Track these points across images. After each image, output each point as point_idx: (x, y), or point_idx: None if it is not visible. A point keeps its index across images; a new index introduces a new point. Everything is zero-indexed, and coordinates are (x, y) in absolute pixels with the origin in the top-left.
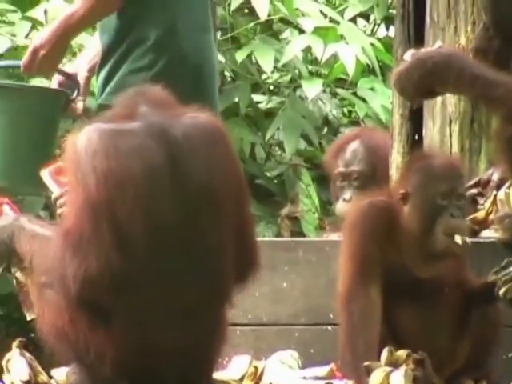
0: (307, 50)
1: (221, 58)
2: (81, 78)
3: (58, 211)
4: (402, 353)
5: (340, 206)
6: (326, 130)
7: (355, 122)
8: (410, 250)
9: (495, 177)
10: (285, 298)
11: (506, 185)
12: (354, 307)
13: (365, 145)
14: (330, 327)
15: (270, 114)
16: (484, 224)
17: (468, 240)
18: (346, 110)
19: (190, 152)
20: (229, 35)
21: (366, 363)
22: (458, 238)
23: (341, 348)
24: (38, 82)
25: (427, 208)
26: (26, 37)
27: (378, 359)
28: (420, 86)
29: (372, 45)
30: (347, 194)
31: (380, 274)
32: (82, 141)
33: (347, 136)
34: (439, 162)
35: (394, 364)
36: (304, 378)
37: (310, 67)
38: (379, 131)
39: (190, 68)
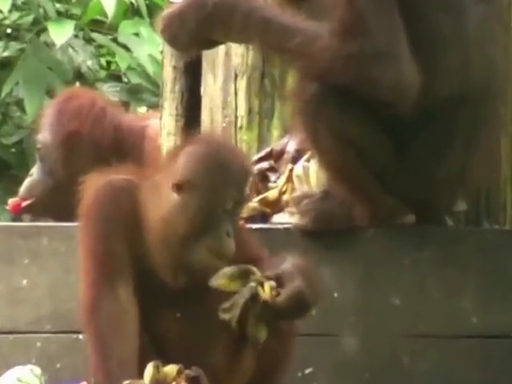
0: None
1: None
2: None
3: None
4: (171, 369)
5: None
6: (78, 85)
7: (115, 76)
8: (158, 251)
9: (291, 147)
10: (24, 299)
11: (304, 157)
12: (101, 316)
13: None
14: (81, 336)
15: (6, 65)
16: (277, 206)
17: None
18: (103, 61)
19: None
20: None
21: (126, 382)
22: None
23: (91, 366)
24: None
25: (206, 214)
26: None
27: (139, 375)
28: (196, 34)
29: None
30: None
31: (129, 272)
32: None
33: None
34: (231, 157)
35: (161, 382)
36: None
37: (58, 6)
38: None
39: None
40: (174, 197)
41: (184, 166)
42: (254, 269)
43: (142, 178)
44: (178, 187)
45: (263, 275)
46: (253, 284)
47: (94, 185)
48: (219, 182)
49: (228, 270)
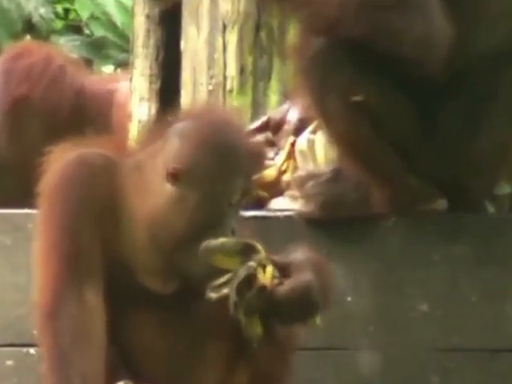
0: None
1: None
2: None
3: None
4: None
5: None
6: (29, 38)
7: (75, 28)
8: (143, 252)
9: (292, 116)
10: None
11: (309, 128)
12: (63, 323)
13: None
14: (32, 350)
15: None
16: (275, 188)
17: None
18: (60, 9)
19: None
20: None
21: None
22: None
23: (46, 382)
24: None
25: (208, 210)
26: None
27: None
28: None
29: None
30: None
31: (100, 271)
32: None
33: None
34: (237, 137)
35: None
36: None
37: None
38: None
39: None
40: (168, 188)
41: (180, 150)
42: (259, 247)
43: (122, 155)
44: (174, 177)
45: (268, 257)
46: (252, 264)
47: (60, 159)
48: (226, 170)
49: (228, 242)
